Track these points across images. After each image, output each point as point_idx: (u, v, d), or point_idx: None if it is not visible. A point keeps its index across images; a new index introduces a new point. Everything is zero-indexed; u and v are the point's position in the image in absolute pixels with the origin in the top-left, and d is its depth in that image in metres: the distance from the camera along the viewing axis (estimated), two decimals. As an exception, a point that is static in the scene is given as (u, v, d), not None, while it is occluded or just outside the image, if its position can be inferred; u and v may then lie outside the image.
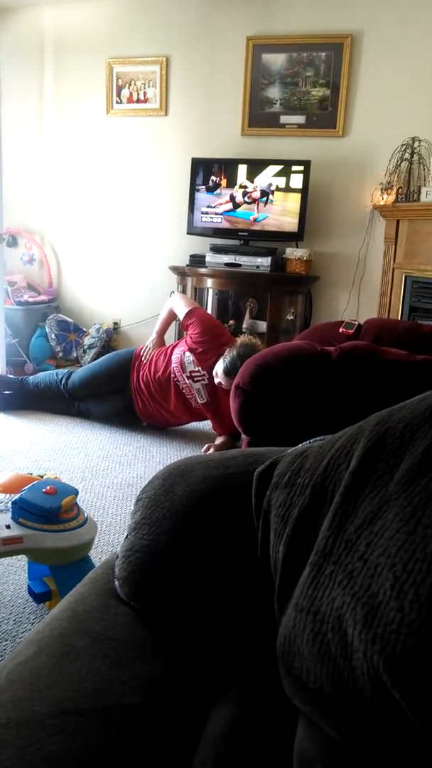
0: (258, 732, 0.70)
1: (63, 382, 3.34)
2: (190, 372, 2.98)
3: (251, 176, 4.00)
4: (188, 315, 3.06)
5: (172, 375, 3.02)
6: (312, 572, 0.67)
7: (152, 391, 3.09)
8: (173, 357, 3.06)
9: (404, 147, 3.74)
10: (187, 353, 2.99)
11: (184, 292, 4.23)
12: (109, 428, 3.24)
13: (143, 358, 3.19)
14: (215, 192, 4.09)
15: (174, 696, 0.73)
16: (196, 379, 2.98)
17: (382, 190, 3.78)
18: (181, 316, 3.10)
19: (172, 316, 3.24)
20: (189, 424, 3.34)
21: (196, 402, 3.02)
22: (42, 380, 3.42)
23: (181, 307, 3.12)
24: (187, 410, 3.09)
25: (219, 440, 3.04)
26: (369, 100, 3.89)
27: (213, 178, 4.08)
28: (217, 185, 4.08)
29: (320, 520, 0.72)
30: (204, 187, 4.11)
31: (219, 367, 2.85)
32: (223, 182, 4.06)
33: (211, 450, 2.95)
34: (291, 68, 4.00)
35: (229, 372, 2.74)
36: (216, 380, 2.89)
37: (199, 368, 2.95)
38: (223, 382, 2.84)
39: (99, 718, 0.67)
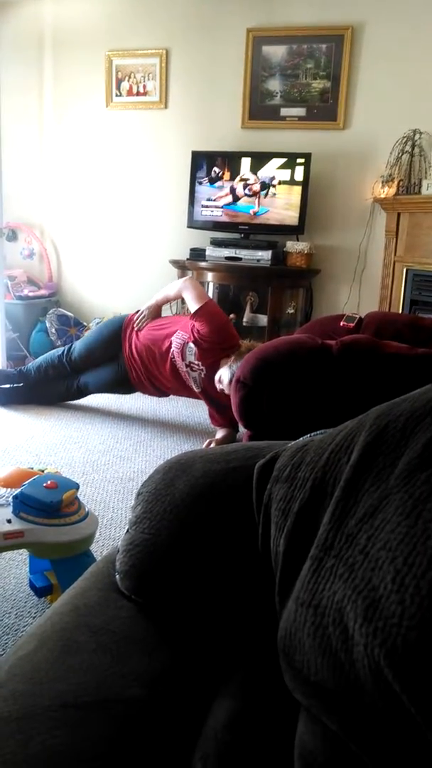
0: (259, 725, 0.70)
1: (66, 355, 3.31)
2: (189, 362, 2.94)
3: (252, 169, 3.99)
4: (199, 311, 2.90)
5: (171, 357, 2.98)
6: (313, 566, 0.67)
7: (146, 363, 3.05)
8: (174, 339, 2.97)
9: (405, 139, 3.72)
10: (190, 344, 2.95)
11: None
12: (110, 422, 3.24)
13: (135, 325, 3.13)
14: (216, 184, 4.07)
15: (175, 689, 0.73)
16: (194, 368, 2.95)
17: (383, 182, 3.77)
18: (191, 308, 2.97)
19: (178, 298, 3.15)
20: (191, 419, 3.34)
21: (191, 384, 3.01)
22: (42, 361, 3.38)
23: (192, 300, 2.95)
24: (183, 386, 3.05)
25: (220, 434, 3.04)
26: (370, 92, 3.87)
27: (215, 169, 4.06)
28: (219, 177, 4.06)
29: (321, 513, 0.71)
30: (207, 178, 4.08)
31: (225, 376, 2.75)
32: (226, 175, 4.04)
33: (213, 444, 2.95)
34: (291, 60, 3.98)
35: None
36: (219, 387, 2.81)
37: (199, 362, 2.93)
38: (226, 391, 2.73)
39: (100, 712, 0.67)
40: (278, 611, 0.74)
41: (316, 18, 3.87)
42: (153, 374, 3.07)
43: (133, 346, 3.09)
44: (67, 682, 0.70)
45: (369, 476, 0.67)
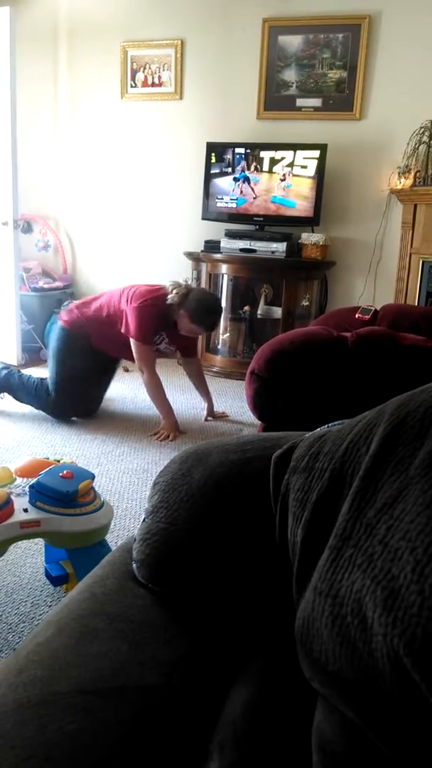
0: (277, 713, 0.70)
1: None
2: (154, 341, 3.11)
3: (267, 160, 3.96)
4: (134, 343, 2.99)
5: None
6: (331, 556, 0.67)
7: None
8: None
9: (422, 130, 3.68)
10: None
11: (198, 278, 4.22)
12: (125, 414, 3.25)
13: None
14: (254, 176, 4.03)
15: (192, 677, 0.73)
16: (160, 342, 3.18)
17: (399, 173, 3.74)
18: (139, 362, 3.03)
19: (160, 404, 3.07)
20: (202, 414, 3.36)
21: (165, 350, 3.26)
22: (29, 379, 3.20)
23: (146, 377, 3.03)
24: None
25: (205, 403, 3.31)
26: (386, 82, 3.83)
27: (244, 163, 4.03)
28: (239, 177, 4.03)
29: (339, 503, 0.71)
30: (246, 170, 4.04)
31: (183, 322, 2.98)
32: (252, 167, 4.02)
33: (210, 418, 3.27)
34: (308, 50, 3.94)
35: (194, 320, 2.96)
36: (192, 335, 3.13)
37: (157, 338, 3.11)
38: (194, 331, 3.05)
39: (118, 698, 0.67)
40: (296, 601, 0.74)
41: (333, 7, 3.83)
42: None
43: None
44: (84, 669, 0.70)
45: (388, 466, 0.67)
